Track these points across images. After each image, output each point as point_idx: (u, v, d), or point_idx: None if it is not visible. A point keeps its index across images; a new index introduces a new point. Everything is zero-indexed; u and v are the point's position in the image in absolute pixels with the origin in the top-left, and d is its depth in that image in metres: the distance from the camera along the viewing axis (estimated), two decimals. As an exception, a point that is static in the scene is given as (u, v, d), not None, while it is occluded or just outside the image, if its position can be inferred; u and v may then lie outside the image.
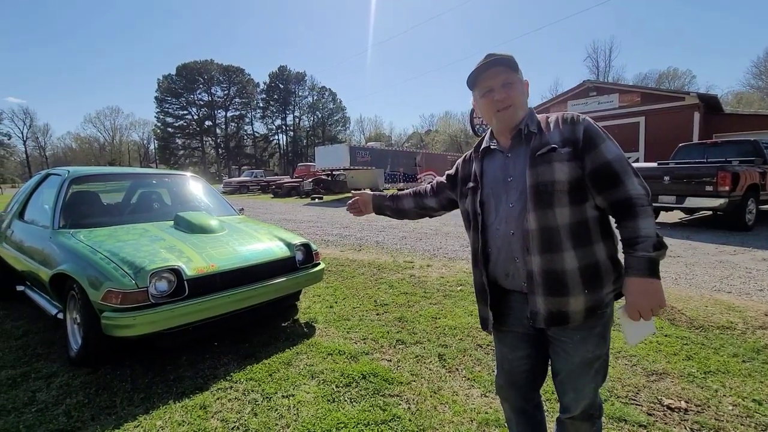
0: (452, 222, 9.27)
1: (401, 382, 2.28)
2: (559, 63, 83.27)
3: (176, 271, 2.44)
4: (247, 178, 28.58)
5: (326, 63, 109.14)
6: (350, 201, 1.74)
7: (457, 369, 2.45)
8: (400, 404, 2.07)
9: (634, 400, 2.09)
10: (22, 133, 66.11)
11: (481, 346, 2.74)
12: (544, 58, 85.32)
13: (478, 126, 21.42)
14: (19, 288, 3.63)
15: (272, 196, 22.00)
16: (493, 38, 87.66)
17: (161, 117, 64.42)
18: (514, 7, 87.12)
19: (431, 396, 2.15)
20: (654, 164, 8.24)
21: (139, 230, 3.05)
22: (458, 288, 4.09)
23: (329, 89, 70.41)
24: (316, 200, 17.85)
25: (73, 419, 1.94)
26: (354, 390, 2.20)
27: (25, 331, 3.07)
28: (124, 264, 2.41)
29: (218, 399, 2.13)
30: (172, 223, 3.24)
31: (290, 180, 24.36)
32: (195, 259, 2.63)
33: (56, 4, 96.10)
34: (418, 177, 21.59)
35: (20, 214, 3.67)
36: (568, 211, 1.12)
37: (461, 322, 3.17)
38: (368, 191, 1.76)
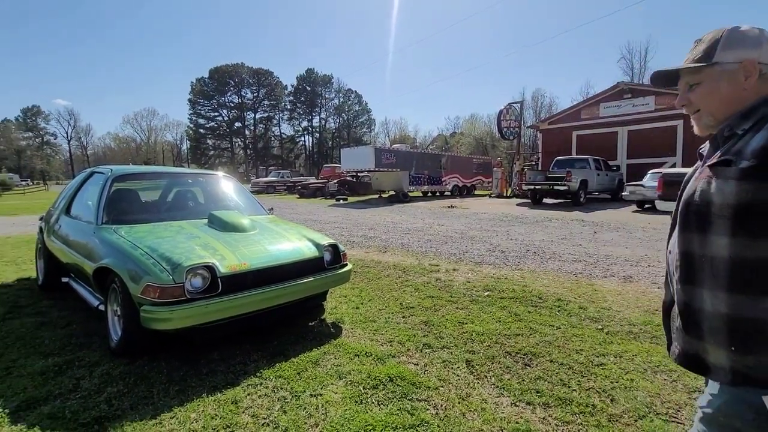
0: (477, 226, 9.14)
1: (429, 387, 2.26)
2: (590, 65, 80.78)
3: (211, 268, 2.52)
4: (274, 179, 29.18)
5: (353, 66, 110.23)
6: None
7: (486, 376, 2.40)
8: (428, 409, 2.05)
9: (675, 417, 1.99)
10: (66, 133, 70.53)
11: (510, 354, 2.68)
12: (575, 60, 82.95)
13: (505, 129, 21.09)
14: (64, 279, 3.84)
15: (298, 196, 22.38)
16: (521, 40, 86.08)
17: (194, 118, 67.00)
18: (543, 8, 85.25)
19: (459, 402, 2.12)
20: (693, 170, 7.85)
21: (175, 227, 3.17)
22: (485, 293, 4.02)
23: (355, 91, 71.20)
24: (341, 201, 18.02)
25: (114, 407, 2.03)
26: (381, 392, 2.20)
27: (69, 321, 3.24)
28: (162, 260, 2.50)
29: (249, 395, 2.17)
30: (206, 221, 3.34)
31: (316, 181, 24.72)
32: (228, 257, 2.70)
33: (104, 16, 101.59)
34: (442, 179, 21.44)
35: (67, 210, 3.88)
36: (729, 241, 0.86)
37: (489, 328, 3.11)
38: None
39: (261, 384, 2.28)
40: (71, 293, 3.62)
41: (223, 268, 2.57)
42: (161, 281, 2.36)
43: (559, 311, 3.49)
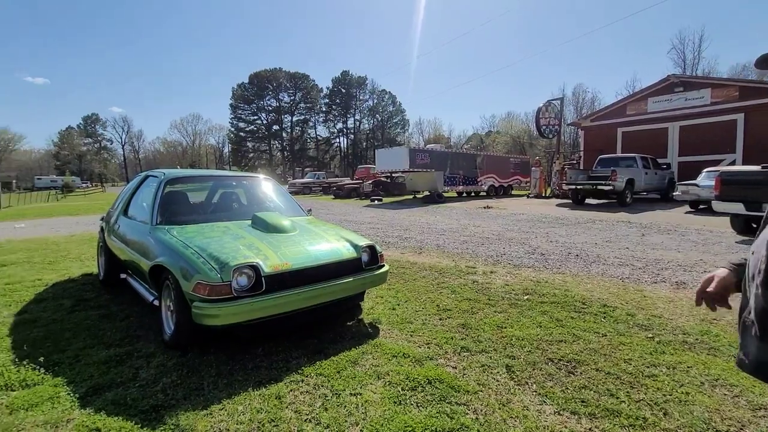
0: (515, 228, 8.91)
1: (468, 391, 2.24)
2: (637, 57, 75.87)
3: (255, 268, 2.62)
4: (311, 180, 29.88)
5: (387, 66, 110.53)
6: (703, 292, 1.11)
7: (527, 382, 2.35)
8: (467, 413, 2.03)
9: (738, 436, 1.85)
10: (121, 138, 76.36)
11: (552, 361, 2.60)
12: (619, 53, 78.50)
13: (544, 127, 20.40)
14: (122, 276, 4.14)
15: (333, 197, 22.77)
16: (557, 36, 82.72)
17: (234, 122, 69.82)
18: (580, 2, 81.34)
19: (500, 408, 2.08)
20: (756, 167, 7.24)
21: (222, 228, 3.33)
22: (525, 297, 3.91)
23: (389, 92, 71.38)
24: (376, 202, 18.14)
25: (169, 396, 2.17)
26: (420, 394, 2.20)
27: (127, 315, 3.48)
28: (211, 259, 2.64)
29: (291, 391, 2.25)
30: (250, 222, 3.48)
31: (350, 182, 25.03)
32: (271, 257, 2.80)
33: (154, 31, 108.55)
34: (478, 180, 21.06)
35: (125, 211, 4.18)
36: None
37: (529, 333, 3.03)
38: (722, 271, 1.09)
39: (303, 381, 2.35)
40: (128, 288, 3.90)
41: (266, 268, 2.67)
42: (210, 279, 2.49)
43: (604, 318, 3.34)
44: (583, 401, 2.13)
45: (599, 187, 13.17)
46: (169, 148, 76.01)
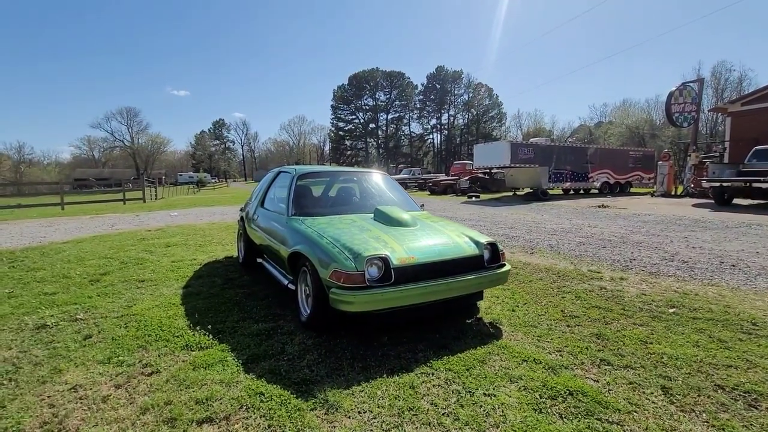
0: (642, 230, 7.85)
1: (618, 410, 2.02)
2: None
3: (385, 260, 2.72)
4: (407, 176, 30.34)
5: (484, 57, 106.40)
6: None
7: (693, 410, 2.03)
8: (622, 434, 1.83)
9: None
10: (241, 140, 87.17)
11: (722, 388, 2.21)
12: (782, 19, 63.30)
13: (677, 114, 17.54)
14: (258, 260, 4.68)
15: (429, 193, 22.78)
16: (687, 10, 69.93)
17: (334, 122, 74.31)
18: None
19: (663, 434, 1.83)
20: None
21: (348, 220, 3.53)
22: (671, 310, 3.41)
23: (485, 85, 68.71)
24: (473, 199, 17.65)
25: (314, 372, 2.38)
26: (562, 405, 2.05)
27: (266, 295, 3.92)
28: (345, 249, 2.81)
29: (423, 383, 2.28)
30: (372, 215, 3.63)
31: (446, 178, 24.78)
32: (397, 250, 2.88)
33: (268, 42, 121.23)
34: (589, 176, 19.07)
35: (262, 203, 4.71)
36: None
37: (686, 353, 2.62)
38: None
39: (433, 374, 2.37)
40: (263, 271, 4.39)
41: (395, 260, 2.75)
42: (346, 268, 2.65)
43: (789, 344, 2.73)
44: (777, 443, 1.76)
45: (755, 184, 10.89)
46: (278, 148, 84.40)
